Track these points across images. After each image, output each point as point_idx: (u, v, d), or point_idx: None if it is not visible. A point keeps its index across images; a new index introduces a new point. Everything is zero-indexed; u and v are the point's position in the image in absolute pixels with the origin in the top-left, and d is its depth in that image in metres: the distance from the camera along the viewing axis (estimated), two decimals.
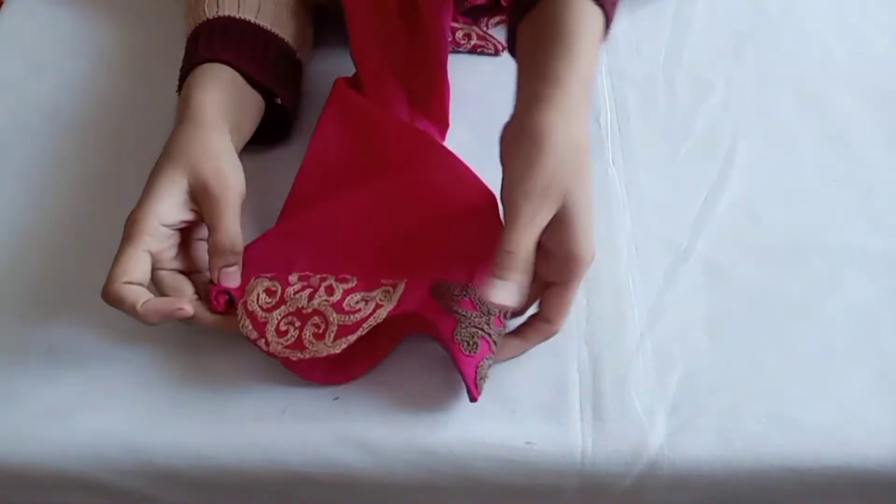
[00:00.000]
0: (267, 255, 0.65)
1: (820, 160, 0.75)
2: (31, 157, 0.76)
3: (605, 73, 0.83)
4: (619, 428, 0.59)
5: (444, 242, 0.64)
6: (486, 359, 0.58)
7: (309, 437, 0.59)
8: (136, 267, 0.59)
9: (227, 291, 0.62)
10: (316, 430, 0.59)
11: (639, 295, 0.66)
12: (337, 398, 0.60)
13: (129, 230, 0.60)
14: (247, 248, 0.64)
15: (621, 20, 0.87)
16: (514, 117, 0.60)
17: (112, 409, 0.60)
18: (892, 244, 0.69)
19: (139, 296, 0.58)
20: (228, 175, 0.63)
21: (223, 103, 0.67)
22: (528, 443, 0.58)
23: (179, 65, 0.71)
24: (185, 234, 0.63)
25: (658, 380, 0.61)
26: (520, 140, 0.58)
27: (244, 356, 0.62)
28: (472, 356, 0.57)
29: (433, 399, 0.60)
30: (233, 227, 0.62)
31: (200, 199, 0.62)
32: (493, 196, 0.66)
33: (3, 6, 0.90)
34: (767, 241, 0.69)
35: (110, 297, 0.58)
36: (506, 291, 0.55)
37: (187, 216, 0.62)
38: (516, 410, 0.60)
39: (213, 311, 0.62)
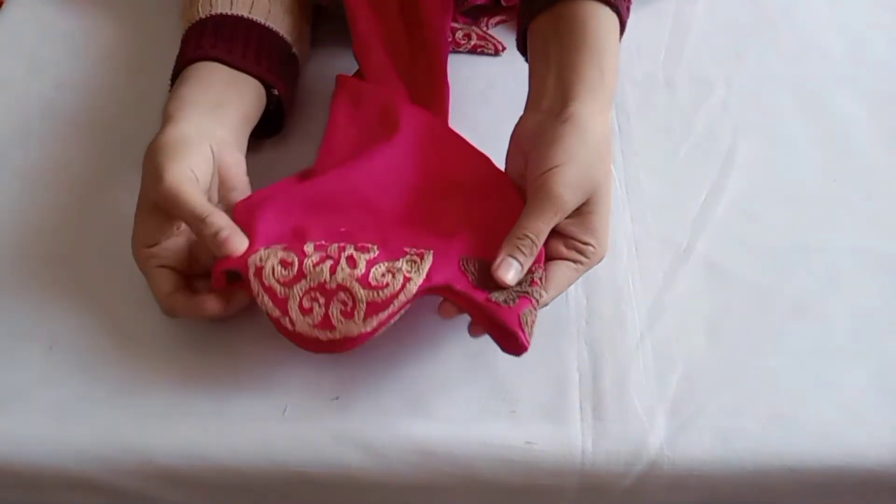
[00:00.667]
0: (274, 223, 0.60)
1: (820, 160, 0.75)
2: (31, 156, 0.76)
3: None
4: (619, 428, 0.59)
5: (469, 214, 0.62)
6: (528, 309, 0.56)
7: (309, 436, 0.59)
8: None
9: (226, 270, 0.58)
10: (316, 430, 0.59)
11: (639, 295, 0.66)
12: (337, 398, 0.60)
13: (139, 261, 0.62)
14: (252, 212, 0.60)
15: None
16: (540, 111, 0.62)
17: (112, 409, 0.60)
18: (892, 245, 0.69)
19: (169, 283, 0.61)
20: (184, 167, 0.60)
21: (205, 97, 0.67)
22: (528, 443, 0.58)
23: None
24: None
25: (658, 380, 0.62)
26: (558, 131, 0.59)
27: (244, 356, 0.62)
28: (511, 307, 0.55)
29: (433, 399, 0.60)
30: (198, 202, 0.59)
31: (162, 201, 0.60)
32: (508, 176, 0.65)
33: (3, 5, 0.90)
34: (767, 241, 0.69)
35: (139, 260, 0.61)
36: (515, 272, 0.57)
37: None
38: (516, 410, 0.60)
39: (214, 290, 0.60)
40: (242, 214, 0.61)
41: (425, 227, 0.61)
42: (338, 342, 0.55)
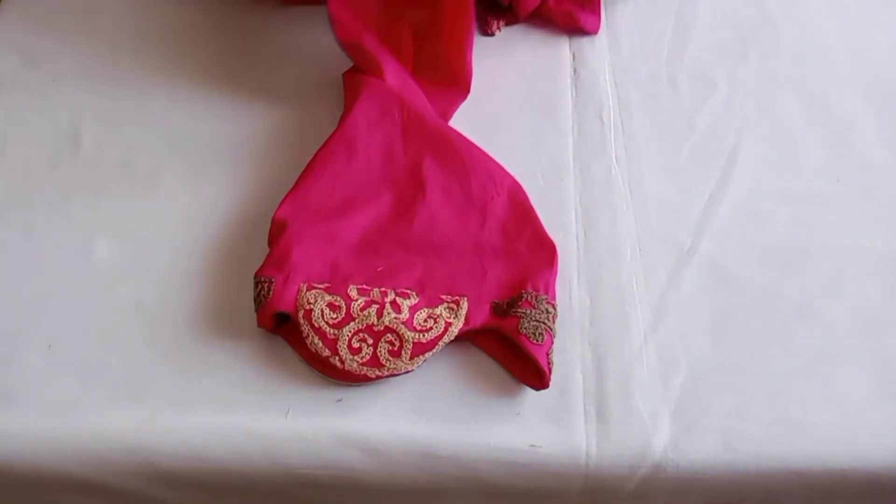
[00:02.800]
0: (311, 256, 0.65)
1: (823, 160, 0.75)
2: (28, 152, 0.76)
3: (609, 71, 0.82)
4: (623, 430, 0.59)
5: (498, 256, 0.66)
6: (552, 349, 0.61)
7: (312, 438, 0.58)
8: None
9: (274, 314, 0.62)
10: (319, 432, 0.59)
11: (642, 296, 0.66)
12: (340, 400, 0.60)
13: None
14: (287, 239, 0.65)
15: (625, 18, 0.86)
16: None
17: (113, 409, 0.60)
18: (895, 246, 0.69)
19: None
20: None
21: None
22: (532, 445, 0.58)
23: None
24: None
25: (662, 382, 0.61)
26: None
27: (246, 357, 0.62)
28: (540, 345, 0.60)
29: (437, 401, 0.60)
30: None
31: None
32: (520, 186, 0.69)
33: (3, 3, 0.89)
34: (770, 241, 0.69)
35: None
36: None
37: None
38: (520, 413, 0.60)
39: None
40: (277, 233, 0.66)
41: (464, 277, 0.65)
42: (383, 378, 0.60)
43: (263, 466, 0.58)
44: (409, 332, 0.60)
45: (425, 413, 0.59)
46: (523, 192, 0.70)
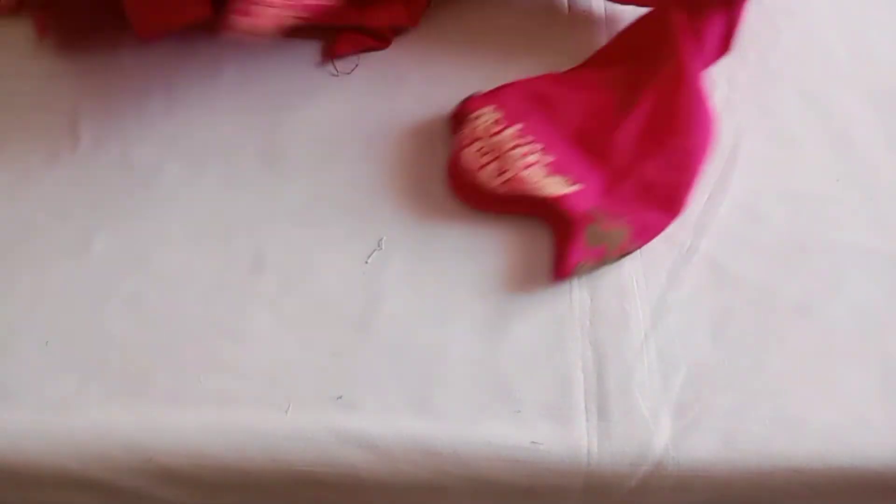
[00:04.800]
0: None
1: (823, 160, 0.75)
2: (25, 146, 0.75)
3: None
4: (624, 428, 0.59)
5: (633, 184, 0.70)
6: (589, 261, 0.66)
7: (312, 435, 0.58)
8: None
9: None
10: (319, 429, 0.58)
11: (643, 295, 0.66)
12: (341, 396, 0.60)
13: None
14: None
15: (625, 18, 0.86)
16: None
17: (111, 405, 0.60)
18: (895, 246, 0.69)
19: None
20: None
21: None
22: (533, 443, 0.58)
23: None
24: None
25: (662, 380, 0.61)
26: None
27: (246, 353, 0.62)
28: (583, 248, 0.65)
29: (438, 398, 0.60)
30: None
31: None
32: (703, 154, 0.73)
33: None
34: (770, 241, 0.69)
35: None
36: None
37: None
38: (521, 410, 0.59)
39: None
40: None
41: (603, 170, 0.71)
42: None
43: (263, 463, 0.58)
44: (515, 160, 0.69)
45: (426, 410, 0.59)
46: (700, 157, 0.72)
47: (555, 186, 0.69)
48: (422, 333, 0.63)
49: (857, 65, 0.82)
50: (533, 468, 0.58)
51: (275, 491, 0.59)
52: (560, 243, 0.67)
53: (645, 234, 0.68)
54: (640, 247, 0.68)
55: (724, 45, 0.80)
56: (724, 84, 0.81)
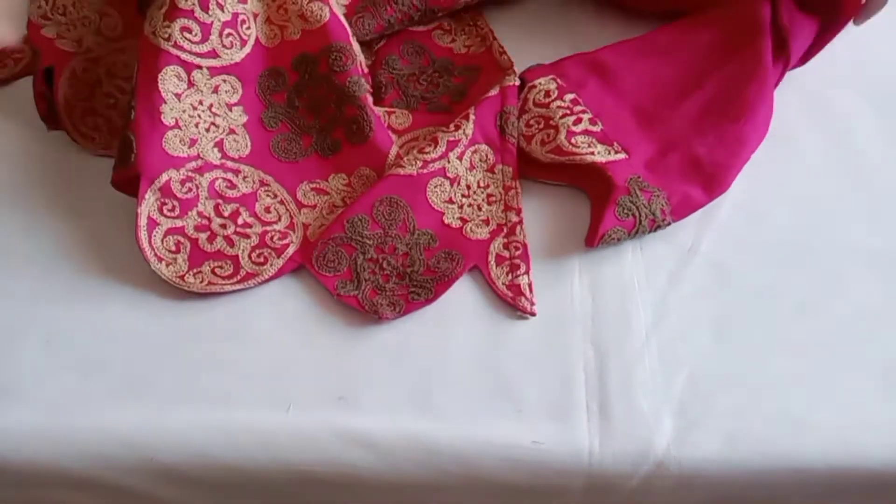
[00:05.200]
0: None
1: (823, 159, 0.75)
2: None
3: None
4: (626, 428, 0.59)
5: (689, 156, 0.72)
6: (620, 230, 0.66)
7: (313, 434, 0.58)
8: None
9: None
10: (320, 428, 0.58)
11: (644, 295, 0.66)
12: (342, 396, 0.60)
13: None
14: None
15: (626, 18, 0.86)
16: None
17: (112, 404, 0.60)
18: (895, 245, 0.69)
19: None
20: None
21: None
22: (534, 442, 0.58)
23: None
24: None
25: (664, 380, 0.61)
26: None
27: (248, 352, 0.62)
28: (613, 218, 0.66)
29: (439, 397, 0.60)
30: None
31: None
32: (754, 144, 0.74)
33: None
34: (771, 240, 0.69)
35: None
36: None
37: None
38: (523, 410, 0.59)
39: None
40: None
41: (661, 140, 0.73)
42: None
43: (264, 463, 0.58)
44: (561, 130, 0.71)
45: (427, 409, 0.59)
46: (751, 148, 0.73)
47: (599, 154, 0.70)
48: (422, 332, 0.62)
49: (858, 65, 0.82)
50: (534, 468, 0.58)
51: (275, 490, 0.59)
52: (596, 211, 0.68)
53: (682, 208, 0.69)
54: (674, 221, 0.68)
55: (804, 57, 0.80)
56: None
